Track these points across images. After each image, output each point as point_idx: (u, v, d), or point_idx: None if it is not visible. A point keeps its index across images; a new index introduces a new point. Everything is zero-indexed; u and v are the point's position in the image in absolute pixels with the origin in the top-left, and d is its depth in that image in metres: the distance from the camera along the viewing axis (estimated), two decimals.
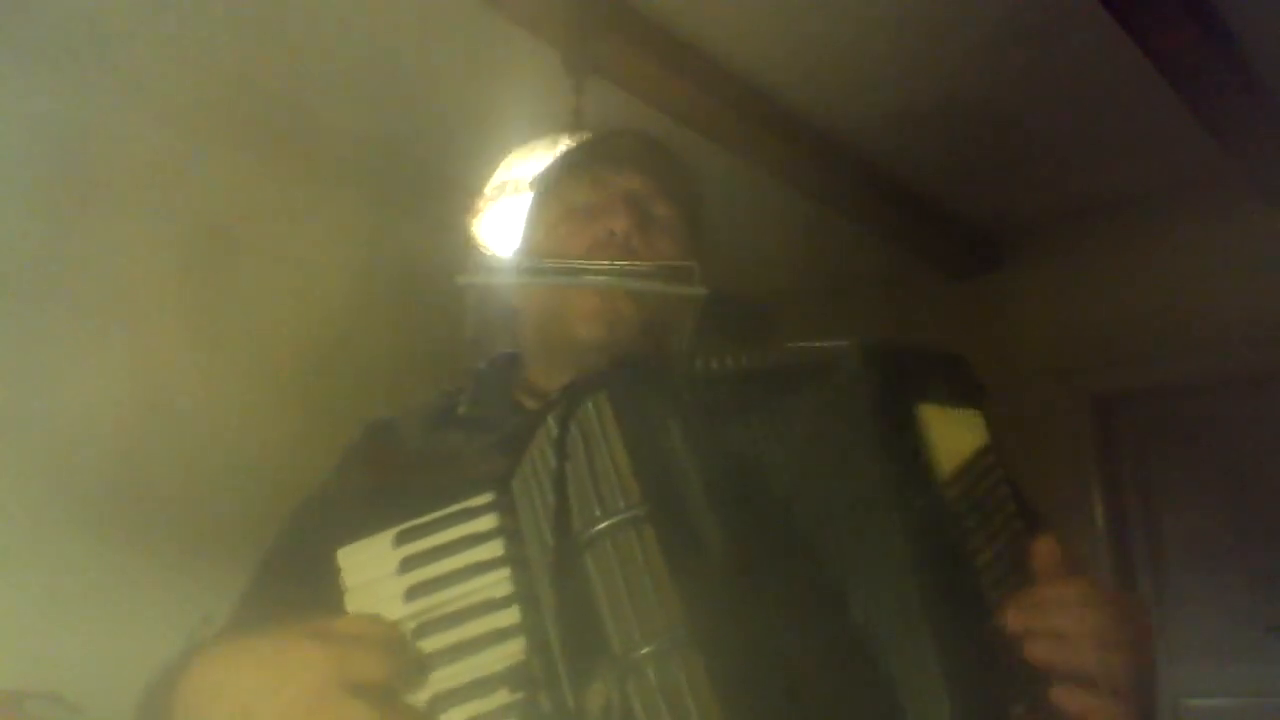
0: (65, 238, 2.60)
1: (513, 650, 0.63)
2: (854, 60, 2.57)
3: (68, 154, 2.54)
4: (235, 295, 2.90)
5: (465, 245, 2.09)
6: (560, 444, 0.63)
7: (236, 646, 0.63)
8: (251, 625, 0.78)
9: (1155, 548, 3.19)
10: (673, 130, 2.57)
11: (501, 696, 0.61)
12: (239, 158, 2.80)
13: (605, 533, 0.61)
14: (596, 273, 0.84)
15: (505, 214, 1.98)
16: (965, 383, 0.72)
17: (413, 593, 0.65)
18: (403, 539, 0.67)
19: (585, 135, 1.95)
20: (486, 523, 0.67)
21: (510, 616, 0.64)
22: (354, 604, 0.65)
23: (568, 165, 0.97)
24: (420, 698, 0.61)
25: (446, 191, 2.74)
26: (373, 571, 0.66)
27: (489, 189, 2.01)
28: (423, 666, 0.62)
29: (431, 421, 0.87)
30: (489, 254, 2.06)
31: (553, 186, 0.96)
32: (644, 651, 0.58)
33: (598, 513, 0.61)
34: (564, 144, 1.95)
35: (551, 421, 0.64)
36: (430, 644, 0.63)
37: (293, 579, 0.77)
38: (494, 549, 0.66)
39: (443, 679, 0.62)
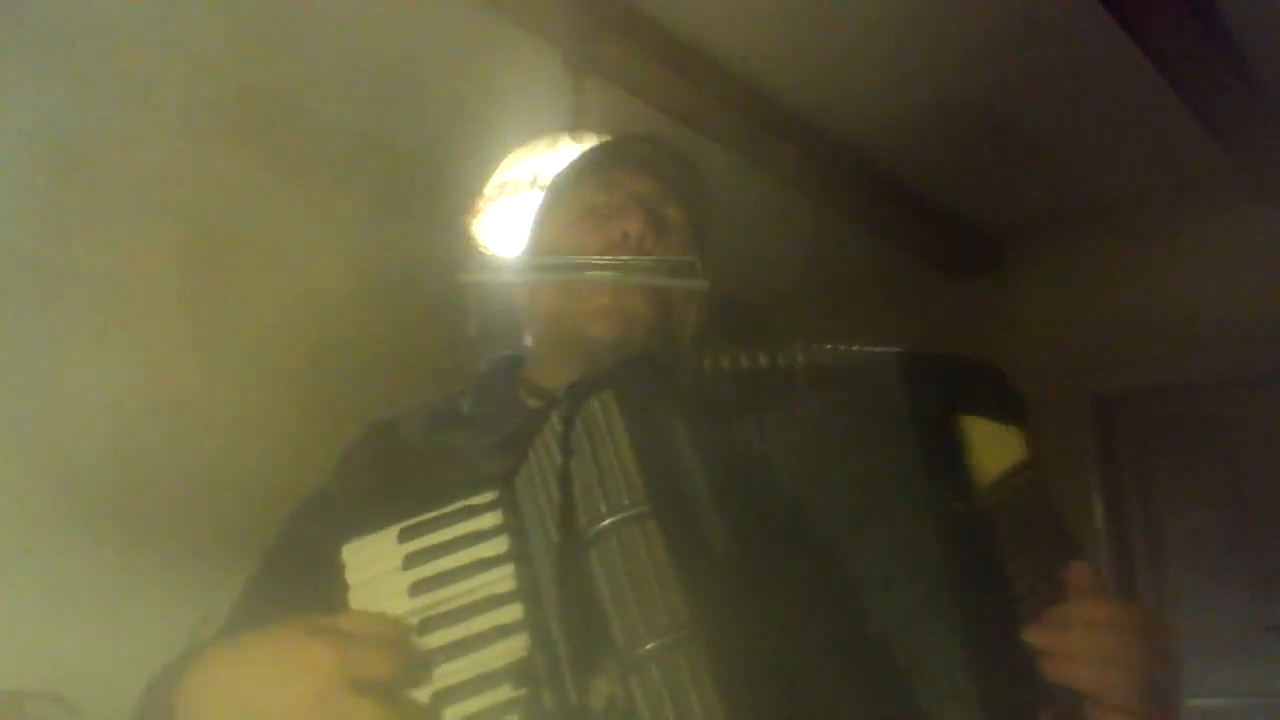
0: (65, 238, 2.60)
1: (516, 646, 0.63)
2: (854, 60, 2.57)
3: (68, 154, 2.54)
4: (235, 295, 2.91)
5: (465, 245, 2.09)
6: (565, 441, 0.63)
7: (239, 644, 0.63)
8: (252, 623, 0.78)
9: (1155, 548, 3.19)
10: (673, 130, 2.57)
11: (504, 692, 0.61)
12: (239, 158, 2.80)
13: (610, 529, 0.61)
14: (604, 269, 0.85)
15: (505, 214, 1.98)
16: (1007, 398, 0.71)
17: (416, 589, 0.65)
18: (406, 535, 0.67)
19: (586, 135, 1.95)
20: (490, 519, 0.67)
21: (513, 613, 0.64)
22: (358, 600, 0.65)
23: (581, 167, 0.98)
24: (424, 693, 0.61)
25: (446, 191, 2.74)
26: (376, 568, 0.66)
27: (489, 189, 2.01)
28: (427, 663, 0.62)
29: (434, 421, 0.87)
30: (489, 254, 2.06)
31: (566, 188, 0.96)
32: (649, 648, 0.58)
33: (603, 509, 0.61)
34: (564, 144, 1.95)
35: (556, 418, 0.65)
36: (433, 640, 0.63)
37: (294, 577, 0.77)
38: (497, 546, 0.66)
39: (446, 675, 0.62)
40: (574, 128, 2.05)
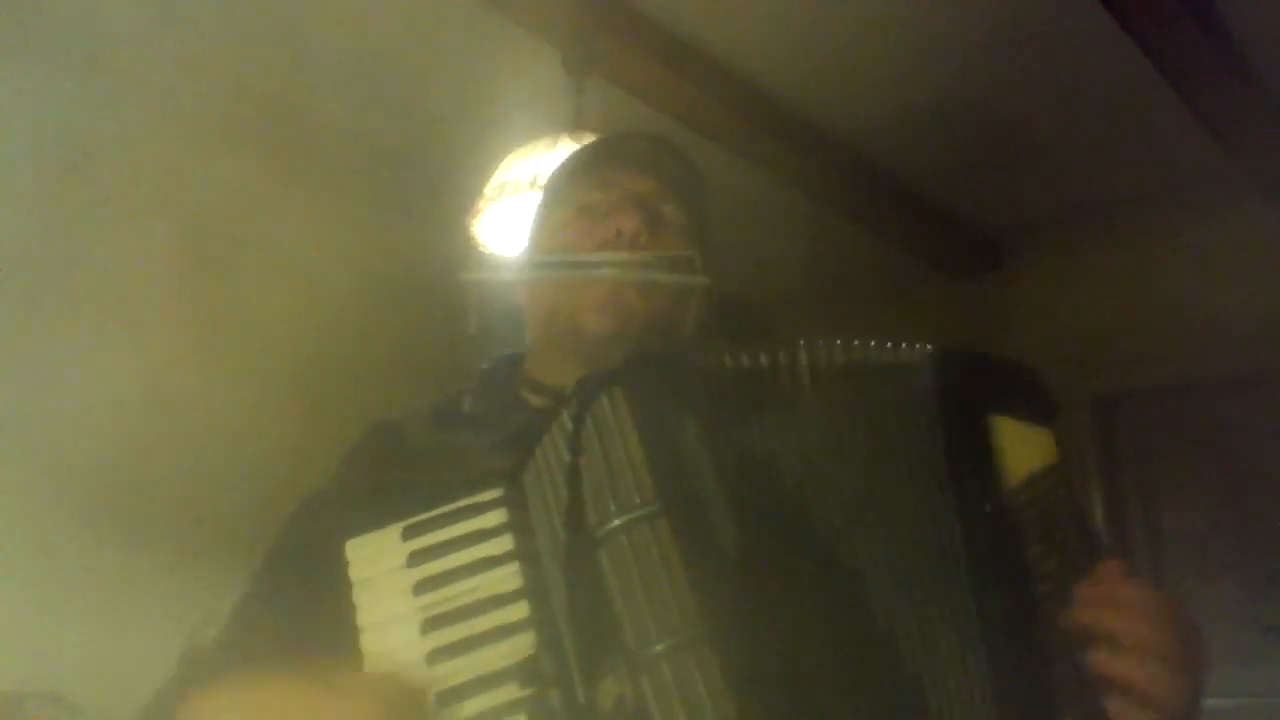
0: (65, 238, 2.60)
1: (522, 645, 0.63)
2: (854, 60, 2.57)
3: (68, 154, 2.54)
4: (235, 295, 2.90)
5: (466, 245, 2.09)
6: (574, 438, 0.63)
7: (250, 687, 0.63)
8: (253, 626, 0.78)
9: (1155, 548, 3.19)
10: (673, 131, 2.57)
11: (511, 691, 0.61)
12: (239, 158, 2.80)
13: (620, 529, 0.60)
14: (600, 265, 0.85)
15: (505, 214, 1.98)
16: (1040, 400, 0.71)
17: (421, 587, 0.65)
18: (411, 533, 0.67)
19: (586, 135, 1.95)
20: (495, 517, 0.67)
21: (519, 611, 0.64)
22: (361, 597, 0.65)
23: (577, 165, 0.98)
24: (430, 691, 0.61)
25: (446, 191, 2.74)
26: (380, 565, 0.66)
27: (489, 189, 2.01)
28: None
29: (436, 420, 0.87)
30: (489, 254, 2.06)
31: (562, 186, 0.96)
32: (659, 648, 0.58)
33: (613, 508, 0.61)
34: (564, 144, 1.95)
35: (566, 416, 0.64)
36: (439, 638, 0.63)
37: (296, 576, 0.77)
38: (503, 544, 0.66)
39: (452, 674, 0.62)
40: (574, 128, 2.05)
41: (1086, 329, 3.28)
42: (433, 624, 0.63)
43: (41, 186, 2.50)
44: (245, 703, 0.62)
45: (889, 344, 0.69)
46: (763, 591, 0.61)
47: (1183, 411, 3.23)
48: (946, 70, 2.58)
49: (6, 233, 2.42)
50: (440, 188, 2.83)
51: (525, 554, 0.65)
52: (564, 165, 1.01)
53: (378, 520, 0.67)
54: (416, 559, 0.66)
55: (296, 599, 0.72)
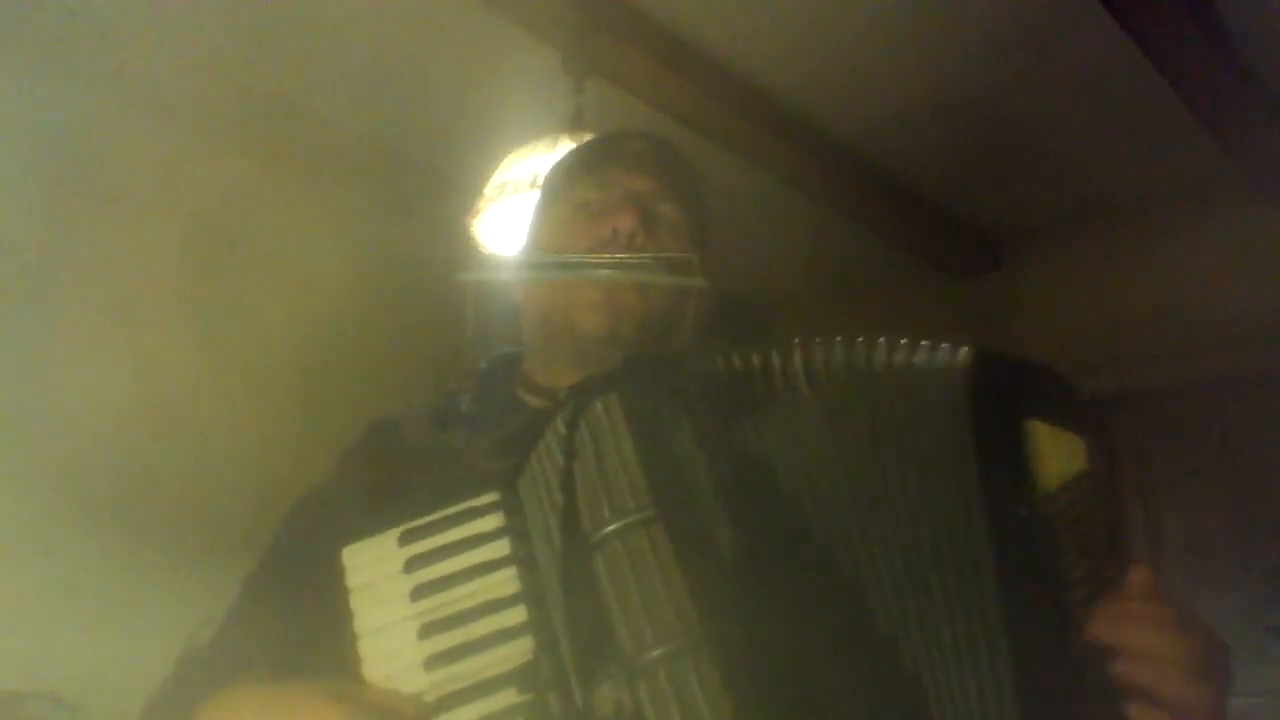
0: (65, 238, 2.60)
1: (520, 650, 0.62)
2: (855, 60, 2.57)
3: (68, 154, 2.54)
4: (235, 295, 2.90)
5: (465, 245, 2.09)
6: (569, 443, 0.62)
7: (255, 696, 0.62)
8: (249, 628, 0.78)
9: (1155, 548, 3.19)
10: (673, 131, 2.57)
11: (509, 696, 0.61)
12: (239, 158, 2.80)
13: (615, 534, 0.60)
14: (597, 266, 0.84)
15: (505, 214, 1.98)
16: (1076, 406, 0.69)
17: (418, 592, 0.65)
18: (407, 538, 0.66)
19: (586, 135, 1.95)
20: (492, 521, 0.67)
21: (517, 615, 0.63)
22: (359, 604, 0.65)
23: (574, 164, 0.97)
24: (428, 698, 0.61)
25: (446, 191, 2.74)
26: (377, 571, 0.66)
27: (489, 189, 2.01)
28: None
29: (434, 420, 0.87)
30: (489, 254, 2.06)
31: (559, 185, 0.96)
32: (656, 654, 0.57)
33: (607, 514, 0.60)
34: (564, 144, 1.95)
35: (560, 421, 0.64)
36: (437, 644, 0.62)
37: (293, 579, 0.77)
38: (500, 548, 0.66)
39: (450, 679, 0.61)
40: (574, 128, 2.05)
41: (1086, 329, 3.27)
42: (430, 629, 0.63)
43: (42, 186, 2.50)
44: (256, 713, 0.62)
45: (923, 343, 0.67)
46: (761, 596, 0.60)
47: (1183, 411, 3.22)
48: (946, 70, 2.58)
49: (6, 233, 2.42)
50: (440, 188, 2.83)
51: (522, 558, 0.65)
52: (561, 163, 1.01)
53: (374, 524, 0.67)
54: (414, 565, 0.65)
55: (293, 604, 0.72)
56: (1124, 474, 3.29)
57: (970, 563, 0.63)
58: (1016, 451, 0.65)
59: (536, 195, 1.01)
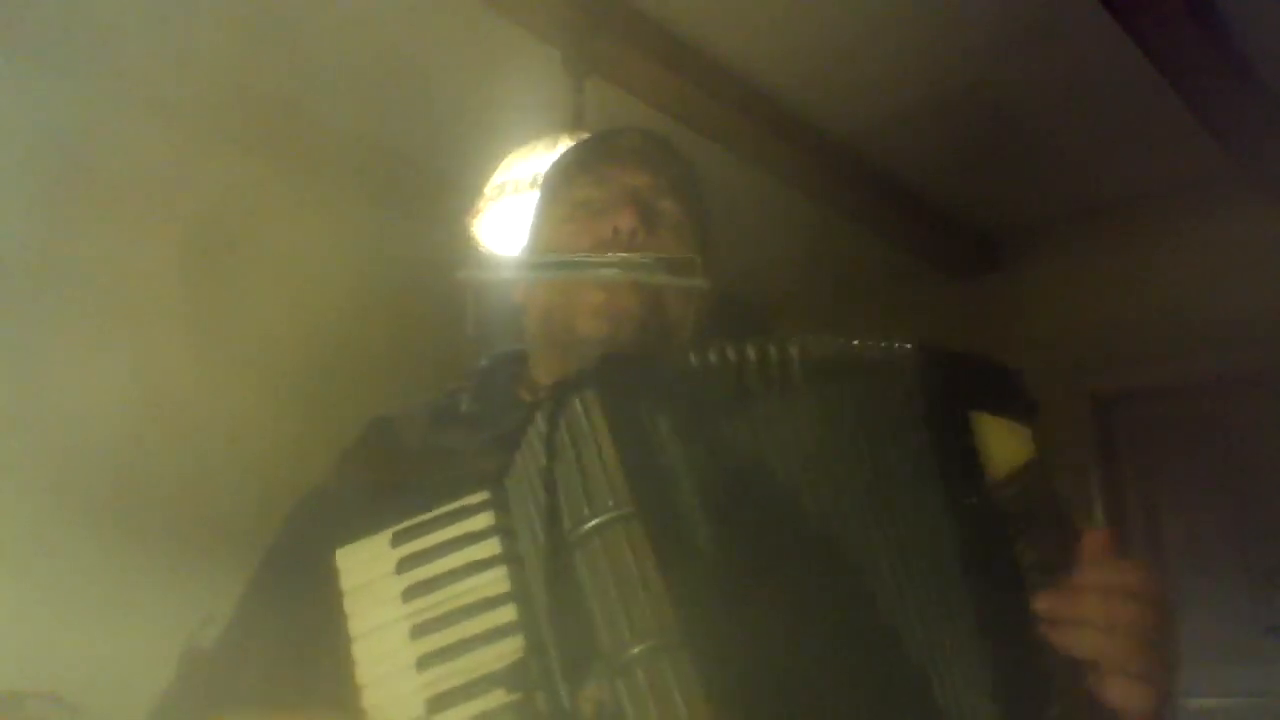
0: (65, 238, 2.60)
1: (510, 648, 0.62)
2: (855, 60, 2.57)
3: (68, 154, 2.54)
4: (235, 295, 2.90)
5: (466, 245, 2.09)
6: (549, 442, 0.62)
7: None
8: (254, 627, 0.78)
9: (1154, 548, 3.19)
10: (673, 131, 2.57)
11: (499, 696, 0.61)
12: (239, 158, 2.80)
13: (594, 531, 0.60)
14: (599, 266, 0.84)
15: (505, 214, 1.98)
16: (1019, 397, 0.71)
17: (410, 593, 0.65)
18: (399, 539, 0.66)
19: (585, 135, 1.95)
20: (482, 520, 0.67)
21: (507, 614, 0.63)
22: (353, 606, 0.65)
23: (573, 162, 0.97)
24: (419, 698, 0.61)
25: (446, 191, 2.74)
26: (370, 572, 0.66)
27: (489, 189, 2.01)
28: None
29: (432, 418, 0.87)
30: (489, 254, 2.06)
31: (557, 184, 0.95)
32: (634, 652, 0.57)
33: (586, 511, 0.60)
34: (564, 144, 1.95)
35: (540, 419, 0.64)
36: (428, 643, 0.63)
37: (292, 580, 0.77)
38: (490, 547, 0.66)
39: (441, 678, 0.61)
40: (574, 128, 2.05)
41: (1086, 329, 3.28)
42: (422, 629, 0.63)
43: (41, 187, 2.50)
44: None
45: (870, 341, 0.69)
46: (741, 593, 0.61)
47: (1183, 411, 3.23)
48: (946, 70, 2.58)
49: (6, 233, 2.42)
50: (440, 188, 2.84)
51: (512, 557, 0.65)
52: (559, 162, 1.01)
53: (369, 525, 0.67)
54: (405, 565, 0.65)
55: (294, 608, 0.72)
56: (1123, 473, 3.29)
57: (935, 554, 0.65)
58: (966, 443, 0.67)
59: (536, 195, 1.01)
